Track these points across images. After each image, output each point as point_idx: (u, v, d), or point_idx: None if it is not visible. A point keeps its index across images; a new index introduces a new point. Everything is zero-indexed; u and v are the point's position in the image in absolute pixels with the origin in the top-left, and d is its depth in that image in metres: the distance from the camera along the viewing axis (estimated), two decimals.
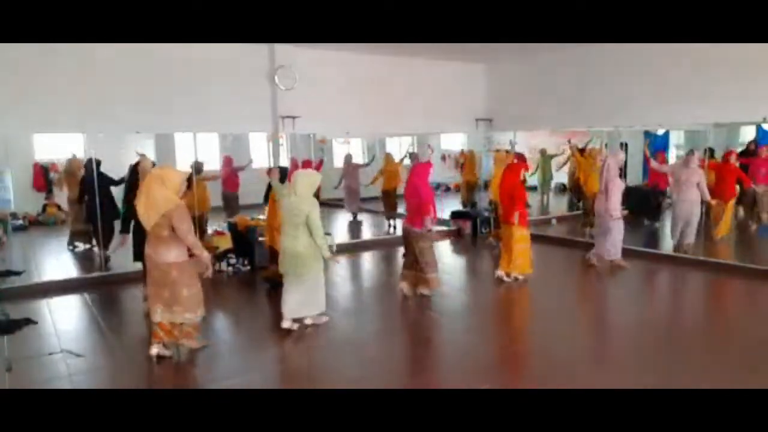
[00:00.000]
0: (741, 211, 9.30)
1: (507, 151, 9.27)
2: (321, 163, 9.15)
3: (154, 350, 4.62)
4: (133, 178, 5.72)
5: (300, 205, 5.04)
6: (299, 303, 5.26)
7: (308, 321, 5.37)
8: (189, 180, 8.07)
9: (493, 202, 8.62)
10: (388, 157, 10.74)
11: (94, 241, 8.18)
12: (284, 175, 6.71)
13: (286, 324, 5.25)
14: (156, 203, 4.33)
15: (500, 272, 6.84)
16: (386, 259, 8.66)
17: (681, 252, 7.77)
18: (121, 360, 4.83)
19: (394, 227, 10.31)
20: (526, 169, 6.95)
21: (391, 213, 10.48)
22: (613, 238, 7.27)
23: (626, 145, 10.17)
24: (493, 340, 5.30)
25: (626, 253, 7.61)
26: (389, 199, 10.46)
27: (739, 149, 9.57)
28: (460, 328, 5.62)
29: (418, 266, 6.10)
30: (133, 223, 5.63)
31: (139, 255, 5.62)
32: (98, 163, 7.49)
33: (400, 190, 10.42)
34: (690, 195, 7.58)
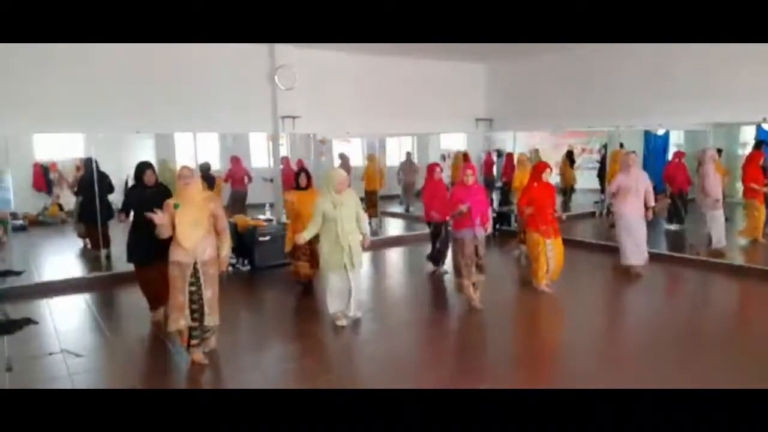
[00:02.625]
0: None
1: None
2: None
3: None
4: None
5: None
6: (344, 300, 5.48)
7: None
8: (206, 179, 8.22)
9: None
10: (372, 158, 10.68)
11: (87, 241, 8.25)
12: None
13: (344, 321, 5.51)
14: None
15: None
16: (381, 258, 8.67)
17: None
18: (121, 360, 4.83)
19: (377, 227, 10.34)
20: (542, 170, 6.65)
21: (372, 213, 10.48)
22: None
23: (622, 145, 10.17)
24: (495, 340, 5.30)
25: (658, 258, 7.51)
26: (371, 199, 10.45)
27: (740, 150, 9.56)
28: (462, 328, 5.63)
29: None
30: (132, 224, 5.58)
31: (132, 256, 5.59)
32: (95, 163, 7.51)
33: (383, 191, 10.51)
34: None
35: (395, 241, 9.52)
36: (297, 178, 6.47)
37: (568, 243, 8.96)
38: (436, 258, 7.30)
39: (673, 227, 9.50)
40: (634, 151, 7.68)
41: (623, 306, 6.42)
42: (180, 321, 4.39)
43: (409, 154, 11.60)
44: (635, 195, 6.74)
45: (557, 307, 6.21)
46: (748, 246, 8.23)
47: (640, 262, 6.92)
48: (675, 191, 9.34)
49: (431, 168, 7.16)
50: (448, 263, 6.97)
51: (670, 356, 4.62)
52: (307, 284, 6.59)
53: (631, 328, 5.54)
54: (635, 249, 6.86)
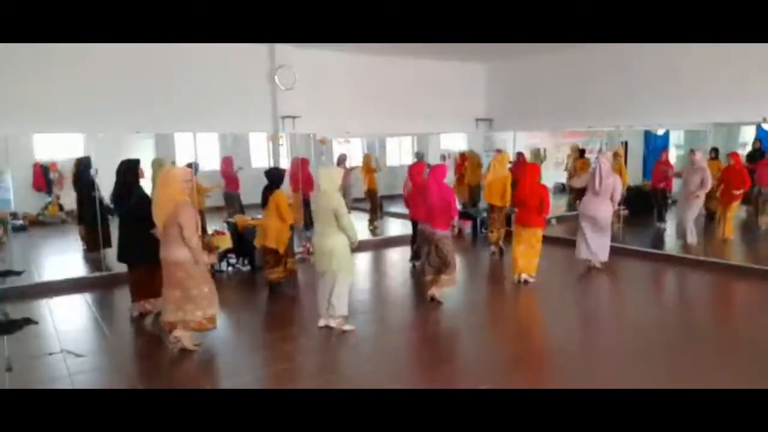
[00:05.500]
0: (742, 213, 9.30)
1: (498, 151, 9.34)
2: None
3: (174, 338, 4.78)
4: (122, 178, 5.75)
5: (326, 201, 5.13)
6: (333, 300, 5.30)
7: (332, 323, 5.32)
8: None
9: (491, 205, 8.53)
10: (369, 158, 10.68)
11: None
12: (280, 177, 6.73)
13: (322, 323, 5.34)
14: (162, 203, 4.50)
15: (523, 275, 6.73)
16: (379, 258, 8.67)
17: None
18: (121, 360, 4.83)
19: (375, 228, 10.40)
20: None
21: (374, 214, 10.51)
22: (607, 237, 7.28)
23: (626, 144, 10.20)
24: (499, 340, 5.31)
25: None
26: (373, 199, 10.46)
27: (740, 150, 9.56)
28: (465, 328, 5.63)
29: (440, 268, 5.99)
30: (119, 223, 5.73)
31: (122, 255, 5.74)
32: (88, 162, 7.54)
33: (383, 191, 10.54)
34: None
35: (395, 241, 9.52)
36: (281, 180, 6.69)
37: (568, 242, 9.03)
38: (417, 254, 7.60)
39: (661, 225, 9.72)
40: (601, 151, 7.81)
41: (622, 304, 6.43)
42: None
43: (421, 155, 11.43)
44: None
45: (552, 305, 6.22)
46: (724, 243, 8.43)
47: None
48: (657, 188, 9.58)
49: (420, 168, 7.38)
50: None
51: (663, 355, 4.63)
52: (275, 287, 6.64)
53: (630, 326, 5.55)
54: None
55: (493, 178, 8.19)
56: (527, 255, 6.69)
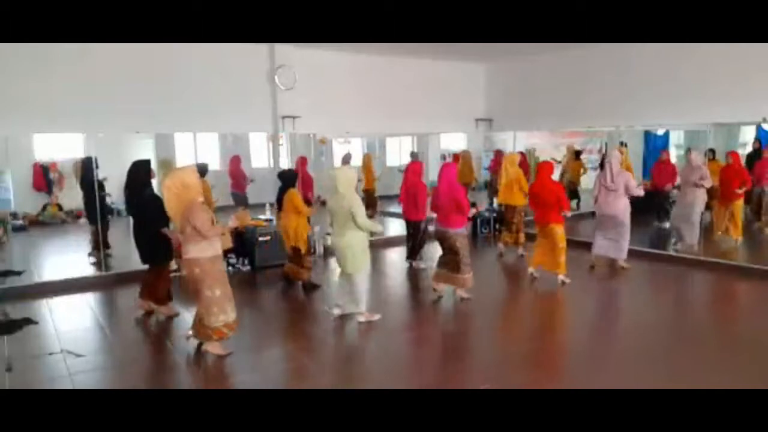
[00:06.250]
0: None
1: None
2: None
3: (191, 332, 4.83)
4: (134, 179, 5.76)
5: (343, 201, 5.24)
6: (345, 296, 5.55)
7: (361, 318, 5.46)
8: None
9: (504, 205, 8.52)
10: (369, 157, 10.66)
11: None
12: (293, 178, 6.74)
13: (336, 311, 5.57)
14: (181, 206, 4.53)
15: (531, 269, 6.94)
16: (379, 258, 8.67)
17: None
18: (121, 360, 4.83)
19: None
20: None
21: (371, 213, 10.52)
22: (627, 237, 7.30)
23: (625, 144, 10.17)
24: (501, 339, 5.31)
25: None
26: (371, 198, 10.46)
27: (740, 150, 9.55)
28: (467, 328, 5.63)
29: (455, 266, 5.99)
30: (133, 225, 5.78)
31: (140, 255, 5.76)
32: (91, 162, 7.54)
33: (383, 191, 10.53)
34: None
35: (394, 242, 9.52)
36: (294, 180, 6.71)
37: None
38: (414, 251, 7.76)
39: (662, 225, 9.66)
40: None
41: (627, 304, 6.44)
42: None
43: (415, 155, 11.43)
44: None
45: (552, 305, 6.22)
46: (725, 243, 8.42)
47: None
48: (659, 189, 9.53)
49: (415, 168, 7.60)
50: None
51: (665, 355, 4.63)
52: (290, 282, 6.80)
53: (633, 326, 5.55)
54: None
55: (506, 180, 8.24)
56: (547, 251, 6.71)
